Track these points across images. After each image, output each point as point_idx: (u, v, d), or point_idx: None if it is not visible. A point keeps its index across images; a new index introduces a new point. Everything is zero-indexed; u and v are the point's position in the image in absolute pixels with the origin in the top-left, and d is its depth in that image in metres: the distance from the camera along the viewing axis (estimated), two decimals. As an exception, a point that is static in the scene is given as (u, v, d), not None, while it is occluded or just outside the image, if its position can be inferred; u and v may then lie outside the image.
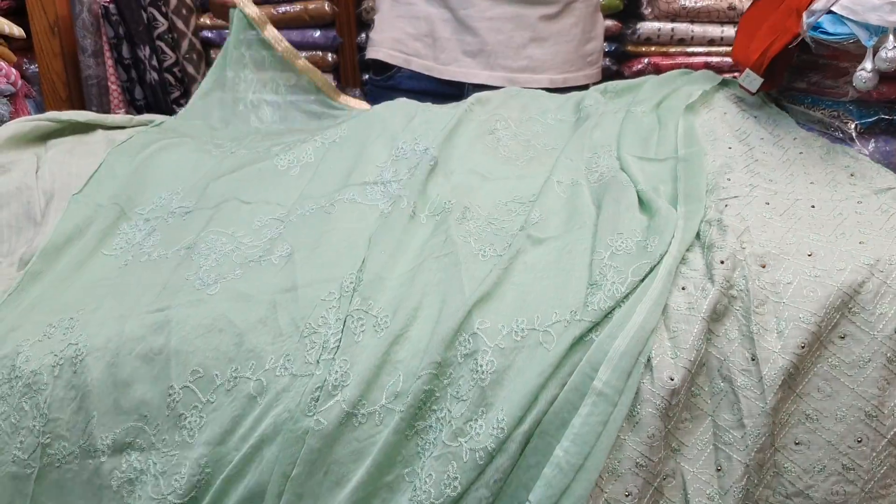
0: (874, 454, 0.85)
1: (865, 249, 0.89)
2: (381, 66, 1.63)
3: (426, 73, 1.58)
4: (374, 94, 1.63)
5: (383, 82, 1.63)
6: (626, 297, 0.87)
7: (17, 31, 1.47)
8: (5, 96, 1.36)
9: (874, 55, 1.02)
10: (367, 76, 1.81)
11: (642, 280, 0.88)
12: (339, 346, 0.88)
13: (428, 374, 0.85)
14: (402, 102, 1.27)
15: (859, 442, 0.85)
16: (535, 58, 1.57)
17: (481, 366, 0.85)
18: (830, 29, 1.05)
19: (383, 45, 1.63)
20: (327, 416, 0.85)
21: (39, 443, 0.88)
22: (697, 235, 0.94)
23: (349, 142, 1.18)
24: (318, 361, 0.87)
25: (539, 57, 1.57)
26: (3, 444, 0.89)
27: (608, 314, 0.86)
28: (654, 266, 0.89)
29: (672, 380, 0.84)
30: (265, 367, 0.88)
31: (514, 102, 1.31)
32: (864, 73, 1.03)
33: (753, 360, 0.85)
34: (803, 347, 0.84)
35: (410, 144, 1.14)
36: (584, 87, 1.62)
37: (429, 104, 1.28)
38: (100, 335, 0.91)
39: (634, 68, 2.01)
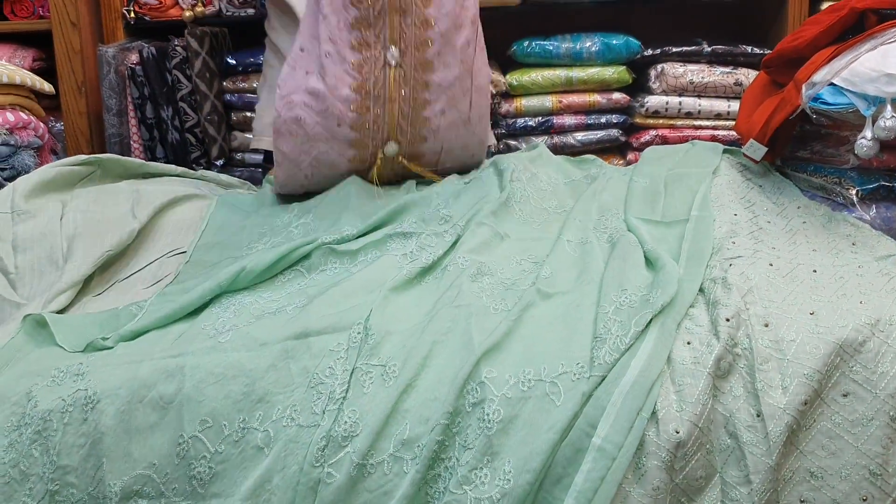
0: (880, 513, 0.86)
1: (866, 309, 0.91)
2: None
3: None
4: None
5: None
6: (630, 347, 0.89)
7: (48, 87, 1.53)
8: (33, 149, 1.41)
9: (873, 124, 1.05)
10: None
11: (644, 330, 0.90)
12: (345, 396, 0.89)
13: (441, 425, 0.86)
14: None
15: (864, 501, 0.85)
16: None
17: (488, 415, 0.86)
18: (830, 100, 1.10)
19: (265, 133, 1.59)
20: (338, 468, 0.85)
21: (48, 490, 0.89)
22: (702, 291, 0.97)
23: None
24: (323, 412, 0.88)
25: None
26: (13, 491, 0.89)
27: (607, 363, 0.88)
28: (656, 315, 0.91)
29: (678, 433, 0.85)
30: (272, 418, 0.88)
31: (531, 166, 1.35)
32: (865, 141, 1.07)
33: (759, 416, 0.86)
34: (806, 404, 0.86)
35: (435, 208, 1.18)
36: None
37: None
38: (111, 380, 0.92)
39: (642, 139, 2.06)
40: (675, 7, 2.10)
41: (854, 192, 1.13)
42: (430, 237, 1.11)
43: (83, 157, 1.28)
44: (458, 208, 1.17)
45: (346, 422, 0.87)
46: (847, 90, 1.08)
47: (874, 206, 1.12)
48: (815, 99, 1.11)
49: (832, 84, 1.10)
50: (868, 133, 1.06)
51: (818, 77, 1.11)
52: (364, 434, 0.86)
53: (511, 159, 1.32)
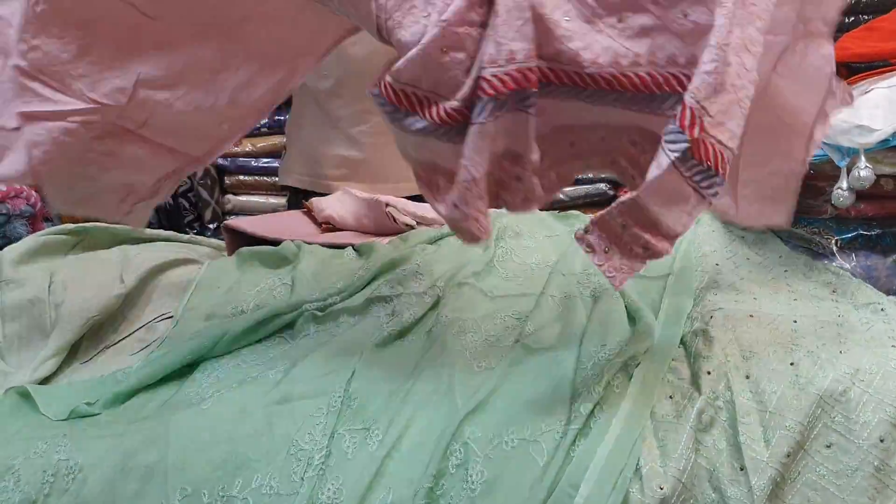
0: (869, 567, 0.84)
1: (846, 358, 0.91)
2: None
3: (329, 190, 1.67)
4: None
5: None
6: (604, 399, 0.89)
7: (41, 157, 1.55)
8: (25, 217, 1.43)
9: (848, 175, 1.07)
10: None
11: (625, 385, 0.90)
12: (325, 462, 0.88)
13: (424, 489, 0.85)
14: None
15: (853, 553, 0.84)
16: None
17: (471, 476, 0.86)
18: (805, 151, 1.11)
19: (293, 170, 1.76)
20: None
21: None
22: (683, 344, 0.97)
23: None
24: (302, 479, 0.87)
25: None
26: None
27: (588, 419, 0.87)
28: (636, 369, 0.91)
29: (662, 489, 0.84)
30: (251, 486, 0.87)
31: (513, 223, 1.37)
32: (841, 191, 1.08)
33: (742, 469, 0.86)
34: (789, 456, 0.85)
35: (414, 269, 1.19)
36: None
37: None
38: (95, 449, 0.91)
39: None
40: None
41: (833, 241, 1.14)
42: (410, 297, 1.12)
43: (70, 226, 1.30)
44: (439, 269, 1.18)
45: (328, 489, 0.86)
46: (821, 142, 1.10)
47: (853, 254, 1.13)
48: (791, 151, 1.12)
49: (806, 136, 1.11)
50: (844, 184, 1.07)
51: (792, 129, 1.12)
52: (346, 501, 0.85)
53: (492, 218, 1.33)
